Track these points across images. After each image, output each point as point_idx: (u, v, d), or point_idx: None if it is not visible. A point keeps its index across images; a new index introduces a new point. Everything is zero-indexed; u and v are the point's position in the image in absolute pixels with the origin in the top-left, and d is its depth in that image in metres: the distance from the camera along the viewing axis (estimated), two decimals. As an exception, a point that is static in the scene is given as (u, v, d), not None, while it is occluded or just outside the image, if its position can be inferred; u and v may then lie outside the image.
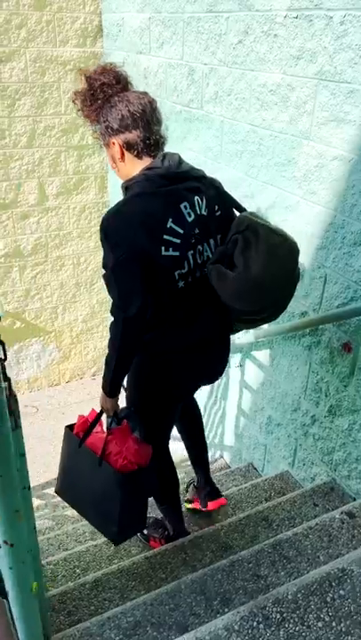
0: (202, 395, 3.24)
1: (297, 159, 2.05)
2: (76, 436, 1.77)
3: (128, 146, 1.52)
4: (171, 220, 1.45)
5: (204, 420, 3.31)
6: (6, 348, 1.02)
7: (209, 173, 2.68)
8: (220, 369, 1.83)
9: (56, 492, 1.88)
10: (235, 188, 2.49)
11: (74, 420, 1.85)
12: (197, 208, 1.51)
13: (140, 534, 2.19)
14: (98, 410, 1.77)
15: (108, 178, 4.12)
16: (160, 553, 1.89)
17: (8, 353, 4.42)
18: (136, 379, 1.69)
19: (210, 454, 3.31)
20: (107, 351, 1.58)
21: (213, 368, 1.80)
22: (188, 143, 2.83)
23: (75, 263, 4.33)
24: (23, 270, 4.17)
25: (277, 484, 2.45)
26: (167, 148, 3.08)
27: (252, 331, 2.56)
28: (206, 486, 2.28)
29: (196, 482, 2.34)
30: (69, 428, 1.83)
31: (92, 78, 1.54)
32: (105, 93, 1.53)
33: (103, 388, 1.65)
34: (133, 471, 1.66)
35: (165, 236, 1.44)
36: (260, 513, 2.07)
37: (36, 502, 3.23)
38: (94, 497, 1.70)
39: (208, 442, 3.29)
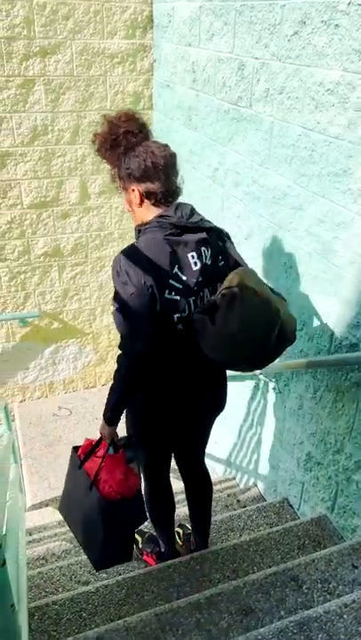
0: (237, 415, 3.01)
1: (353, 170, 1.77)
2: (78, 457, 1.82)
3: (148, 194, 1.60)
4: (177, 267, 1.55)
5: (238, 442, 3.08)
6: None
7: (255, 180, 2.44)
8: (215, 406, 1.89)
9: (58, 509, 1.97)
10: (282, 197, 2.23)
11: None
12: (203, 258, 1.60)
13: (135, 547, 2.25)
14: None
15: (153, 177, 3.92)
16: (172, 610, 1.68)
17: (45, 353, 4.35)
18: (133, 416, 1.78)
19: (242, 481, 3.08)
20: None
21: (206, 404, 1.85)
22: (234, 145, 2.58)
23: (115, 265, 4.16)
24: (62, 270, 4.05)
25: (313, 531, 2.19)
26: (213, 150, 2.85)
27: (289, 358, 2.31)
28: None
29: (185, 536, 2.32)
30: (75, 449, 1.87)
31: (116, 125, 1.60)
32: (128, 141, 1.59)
33: (104, 415, 1.70)
34: (116, 501, 1.71)
35: (170, 281, 1.54)
36: (290, 571, 1.83)
37: (60, 517, 3.10)
38: (84, 520, 1.77)
39: (242, 466, 3.06)
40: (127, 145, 1.59)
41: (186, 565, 2.07)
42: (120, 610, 1.87)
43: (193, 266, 1.57)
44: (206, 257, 1.60)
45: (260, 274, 2.49)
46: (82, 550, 2.50)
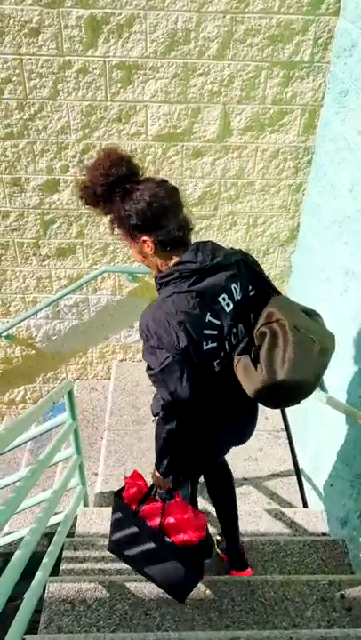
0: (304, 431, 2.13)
1: None
2: (129, 506, 1.81)
3: (162, 243, 1.52)
4: (209, 314, 1.50)
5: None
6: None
7: None
8: (250, 432, 1.90)
9: (110, 551, 1.95)
10: None
11: None
12: (235, 295, 1.56)
13: None
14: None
15: (321, 114, 2.90)
16: None
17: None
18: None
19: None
20: None
21: (244, 433, 1.88)
22: None
23: (249, 224, 3.31)
24: (185, 222, 3.32)
25: None
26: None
27: None
28: (234, 557, 2.24)
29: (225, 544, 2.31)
30: (118, 495, 1.86)
31: (104, 174, 1.48)
32: (122, 189, 1.48)
33: (159, 469, 1.70)
34: (195, 545, 1.72)
35: (205, 331, 1.49)
36: None
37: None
38: (156, 563, 1.78)
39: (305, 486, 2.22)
40: (123, 193, 1.48)
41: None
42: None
43: (226, 307, 1.53)
44: (237, 293, 1.56)
45: None
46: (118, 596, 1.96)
